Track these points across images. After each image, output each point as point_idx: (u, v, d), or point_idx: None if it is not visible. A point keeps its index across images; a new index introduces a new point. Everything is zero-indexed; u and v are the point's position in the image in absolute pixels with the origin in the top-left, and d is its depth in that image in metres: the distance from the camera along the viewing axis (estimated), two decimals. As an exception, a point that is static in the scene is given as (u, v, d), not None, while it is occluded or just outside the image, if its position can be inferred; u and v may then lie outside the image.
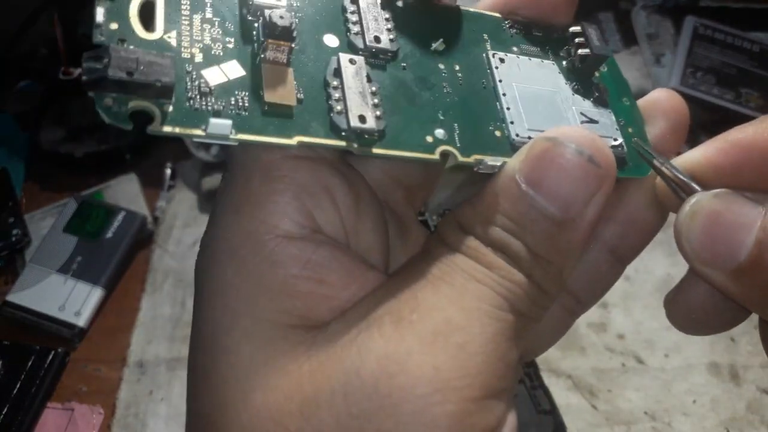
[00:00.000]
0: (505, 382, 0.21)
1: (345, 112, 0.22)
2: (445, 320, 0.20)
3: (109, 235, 0.67)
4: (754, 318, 0.25)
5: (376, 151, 0.22)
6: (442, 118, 0.24)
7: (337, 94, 0.22)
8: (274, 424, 0.20)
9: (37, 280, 0.63)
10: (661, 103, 0.27)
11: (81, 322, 0.62)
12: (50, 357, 0.59)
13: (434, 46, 0.25)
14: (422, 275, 0.22)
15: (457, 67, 0.25)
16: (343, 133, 0.21)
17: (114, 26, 0.20)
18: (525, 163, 0.22)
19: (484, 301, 0.21)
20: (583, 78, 0.27)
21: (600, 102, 0.26)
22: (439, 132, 0.23)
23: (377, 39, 0.24)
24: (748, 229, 0.21)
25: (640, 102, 0.27)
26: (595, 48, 0.26)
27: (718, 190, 0.22)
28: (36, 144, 0.74)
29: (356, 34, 0.24)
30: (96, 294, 0.63)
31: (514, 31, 0.27)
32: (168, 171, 0.74)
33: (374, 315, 0.21)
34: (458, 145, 0.23)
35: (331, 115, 0.22)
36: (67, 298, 0.63)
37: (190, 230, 0.71)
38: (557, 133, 0.22)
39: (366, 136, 0.22)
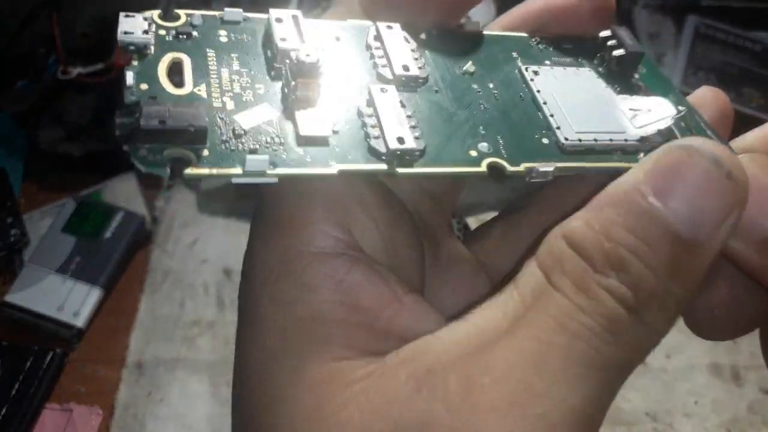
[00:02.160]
0: None
1: (382, 136, 0.21)
2: (524, 387, 0.18)
3: (108, 235, 0.67)
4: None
5: (419, 170, 0.21)
6: (483, 132, 0.23)
7: (372, 122, 0.22)
8: None
9: (36, 281, 0.63)
10: (707, 99, 0.26)
11: (79, 322, 0.62)
12: (48, 358, 0.59)
13: (464, 68, 0.25)
14: (500, 322, 0.19)
15: (491, 85, 0.25)
16: (384, 157, 0.21)
17: (144, 86, 0.21)
18: (654, 173, 0.19)
19: (574, 361, 0.18)
20: (624, 80, 0.27)
21: (647, 95, 0.26)
22: (483, 145, 0.23)
23: (405, 67, 0.24)
24: None
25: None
26: (629, 47, 0.26)
27: (752, 153, 0.20)
28: (34, 144, 0.73)
29: (384, 66, 0.24)
30: (94, 294, 0.63)
31: (542, 47, 0.27)
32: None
33: (438, 367, 0.18)
34: (505, 155, 0.23)
35: (369, 140, 0.21)
36: (65, 299, 0.62)
37: (188, 230, 0.71)
38: (692, 141, 0.19)
39: (407, 157, 0.21)
